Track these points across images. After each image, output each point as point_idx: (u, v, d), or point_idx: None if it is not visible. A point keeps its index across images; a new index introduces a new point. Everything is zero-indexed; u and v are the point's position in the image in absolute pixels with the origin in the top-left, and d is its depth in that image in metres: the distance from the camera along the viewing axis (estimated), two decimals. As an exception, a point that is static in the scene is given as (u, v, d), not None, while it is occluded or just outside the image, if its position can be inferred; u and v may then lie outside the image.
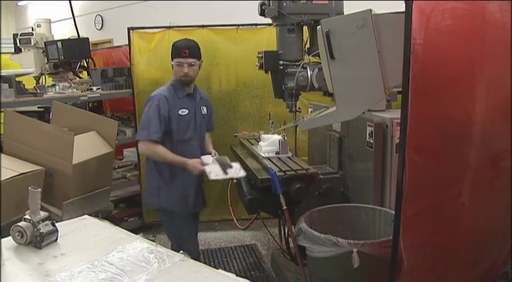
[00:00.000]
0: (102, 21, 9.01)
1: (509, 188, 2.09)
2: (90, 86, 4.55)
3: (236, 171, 3.00)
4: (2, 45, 9.04)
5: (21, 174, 2.72)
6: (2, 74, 3.72)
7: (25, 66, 4.80)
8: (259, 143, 3.55)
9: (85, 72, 5.18)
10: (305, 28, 3.18)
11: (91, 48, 5.20)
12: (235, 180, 3.54)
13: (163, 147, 2.99)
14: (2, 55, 6.30)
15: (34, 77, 4.81)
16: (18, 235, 1.91)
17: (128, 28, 4.65)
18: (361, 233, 2.77)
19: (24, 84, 3.95)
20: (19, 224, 1.91)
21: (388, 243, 2.14)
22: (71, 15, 5.41)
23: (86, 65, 5.11)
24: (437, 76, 1.88)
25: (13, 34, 5.10)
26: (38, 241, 1.89)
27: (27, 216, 1.92)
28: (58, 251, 1.89)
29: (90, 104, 5.04)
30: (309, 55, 3.08)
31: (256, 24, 4.64)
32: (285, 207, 2.86)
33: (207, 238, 4.63)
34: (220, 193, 4.75)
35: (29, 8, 12.86)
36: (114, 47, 6.80)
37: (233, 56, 4.75)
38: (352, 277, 2.43)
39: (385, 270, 2.14)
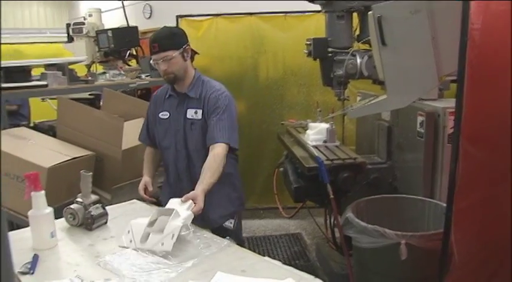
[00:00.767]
0: (151, 10, 9.12)
1: None
2: (139, 73, 4.63)
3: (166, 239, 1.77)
4: (56, 35, 9.35)
5: (73, 158, 2.79)
6: (56, 62, 3.84)
7: (77, 54, 4.92)
8: (307, 131, 3.51)
9: (134, 60, 5.27)
10: (354, 15, 3.11)
11: (140, 37, 5.27)
12: (281, 169, 3.53)
13: (148, 152, 2.70)
14: (56, 44, 6.53)
15: (86, 65, 4.93)
16: (71, 217, 1.97)
17: (177, 16, 4.70)
18: (409, 225, 2.70)
19: (76, 72, 4.05)
20: (71, 206, 1.97)
21: (438, 236, 2.07)
22: (121, 5, 5.51)
23: (135, 53, 5.20)
24: (495, 63, 1.79)
25: (66, 24, 5.24)
26: (89, 223, 1.95)
27: (79, 199, 1.98)
28: (108, 234, 1.94)
29: (139, 91, 5.12)
30: (358, 42, 3.01)
31: (304, 12, 4.58)
32: (331, 197, 2.82)
33: (252, 226, 4.64)
34: (266, 181, 4.77)
35: (81, -1, 13.20)
36: (163, 35, 6.87)
37: (281, 44, 4.71)
38: (398, 269, 2.38)
39: (434, 264, 2.07)
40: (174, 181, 2.58)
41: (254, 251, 1.96)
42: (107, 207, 2.08)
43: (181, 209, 1.88)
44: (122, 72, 4.57)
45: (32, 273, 1.59)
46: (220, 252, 1.75)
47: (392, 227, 2.33)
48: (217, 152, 2.30)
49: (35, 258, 1.68)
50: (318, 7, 3.12)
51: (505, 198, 1.98)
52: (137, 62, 5.16)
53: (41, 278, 1.55)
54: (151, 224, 1.82)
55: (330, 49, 3.03)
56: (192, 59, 2.64)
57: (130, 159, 3.12)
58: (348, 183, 2.91)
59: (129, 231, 1.80)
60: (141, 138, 2.72)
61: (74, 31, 4.95)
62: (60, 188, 2.66)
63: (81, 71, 4.60)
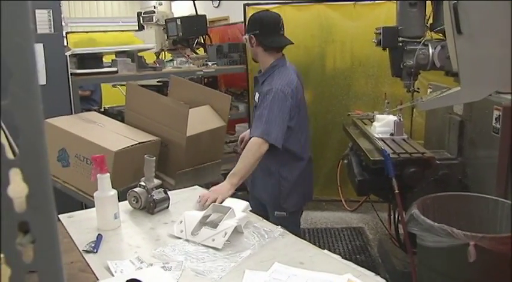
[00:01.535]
0: (219, -2, 9.24)
1: None
2: (206, 61, 4.68)
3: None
4: (128, 23, 9.64)
5: (139, 143, 2.85)
6: (125, 49, 3.95)
7: (147, 42, 5.05)
8: (373, 123, 3.41)
9: (202, 49, 5.34)
10: (428, 2, 2.96)
11: (208, 25, 5.33)
12: (345, 161, 3.45)
13: None
14: (127, 33, 6.74)
15: (155, 53, 5.05)
16: (134, 200, 2.02)
17: (244, 4, 4.69)
18: (478, 226, 2.56)
19: (145, 59, 4.16)
20: (135, 189, 2.01)
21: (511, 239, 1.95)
22: (191, -6, 5.59)
23: (202, 41, 5.26)
24: None
25: (137, 12, 5.39)
26: (151, 207, 1.98)
27: (142, 183, 2.02)
28: (169, 218, 1.96)
29: (206, 79, 5.19)
30: (431, 31, 2.87)
31: (375, -1, 4.44)
32: (396, 191, 2.73)
33: (314, 217, 4.60)
34: (329, 173, 4.70)
35: (153, -13, 13.55)
36: (230, 23, 6.93)
37: (349, 33, 4.59)
38: (466, 271, 2.26)
39: (505, 269, 1.95)
40: None
41: (314, 243, 1.92)
42: (169, 192, 2.10)
43: (238, 209, 1.87)
44: (189, 59, 4.64)
45: (96, 252, 1.64)
46: (278, 242, 1.72)
47: (461, 227, 2.22)
48: (249, 143, 2.40)
49: (99, 238, 1.73)
50: (389, -5, 3.01)
51: None
52: (205, 50, 5.23)
53: (103, 257, 1.59)
54: (204, 218, 1.83)
55: (400, 38, 2.92)
56: (268, 48, 2.66)
57: (194, 146, 3.15)
58: (414, 178, 2.80)
59: (181, 221, 1.81)
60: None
61: (144, 20, 5.09)
62: (126, 172, 2.73)
63: (150, 58, 4.72)
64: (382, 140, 3.14)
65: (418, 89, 3.11)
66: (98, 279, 1.45)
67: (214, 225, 1.76)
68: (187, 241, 1.72)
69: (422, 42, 2.84)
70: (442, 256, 2.34)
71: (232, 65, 4.81)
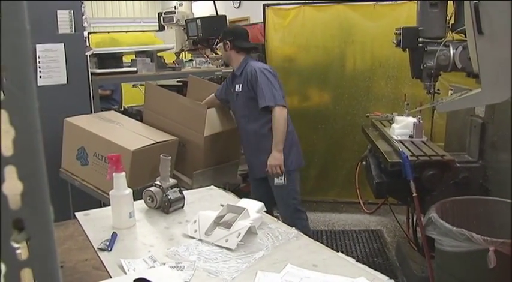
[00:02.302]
0: (239, -1, 9.26)
1: None
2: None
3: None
4: (149, 24, 9.71)
5: (157, 143, 2.87)
6: (145, 49, 3.98)
7: (167, 42, 5.08)
8: (392, 125, 3.37)
9: (222, 49, 5.34)
10: (450, 3, 2.92)
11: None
12: (364, 163, 3.42)
13: None
14: (148, 33, 6.80)
15: (175, 53, 5.08)
16: (149, 199, 2.02)
17: (263, 4, 4.69)
18: (499, 231, 2.50)
19: (164, 59, 4.18)
20: (150, 189, 2.02)
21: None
22: (211, -5, 5.61)
23: (222, 41, 5.27)
24: None
25: (158, 13, 5.42)
26: (166, 206, 1.98)
27: (157, 182, 2.03)
28: (183, 218, 1.96)
29: (225, 79, 5.19)
30: (452, 32, 2.82)
31: (395, 0, 4.39)
32: (415, 194, 2.70)
33: (331, 219, 4.56)
34: (348, 175, 4.66)
35: (174, -12, 13.63)
36: (250, 24, 6.93)
37: (369, 34, 4.54)
38: (485, 277, 2.21)
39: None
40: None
41: (332, 245, 1.91)
42: (185, 192, 2.11)
43: (252, 210, 1.87)
44: (208, 60, 4.65)
45: (110, 250, 1.65)
46: (292, 244, 1.71)
47: (481, 232, 2.17)
48: (272, 116, 3.08)
49: (114, 236, 1.74)
50: (409, -5, 2.97)
51: None
52: (224, 51, 5.24)
53: (117, 256, 1.60)
54: (218, 218, 1.82)
55: (420, 39, 2.88)
56: (240, 49, 3.31)
57: (212, 146, 3.17)
58: (433, 181, 2.76)
59: (195, 221, 1.81)
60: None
61: (165, 20, 5.11)
62: (144, 171, 2.75)
63: (170, 58, 4.75)
64: (401, 142, 3.10)
65: (439, 90, 3.07)
66: (110, 277, 1.46)
67: (228, 225, 1.75)
68: (201, 241, 1.71)
69: (443, 43, 2.80)
70: (461, 261, 2.30)
71: (251, 65, 4.80)
